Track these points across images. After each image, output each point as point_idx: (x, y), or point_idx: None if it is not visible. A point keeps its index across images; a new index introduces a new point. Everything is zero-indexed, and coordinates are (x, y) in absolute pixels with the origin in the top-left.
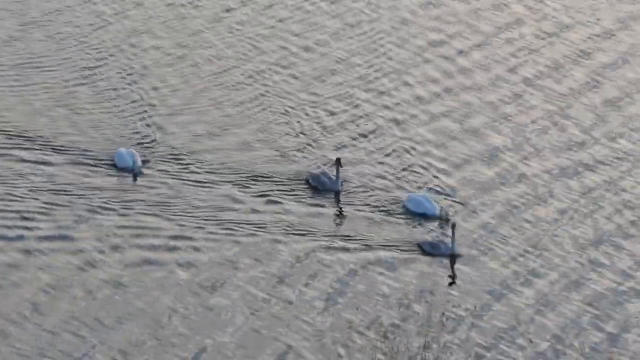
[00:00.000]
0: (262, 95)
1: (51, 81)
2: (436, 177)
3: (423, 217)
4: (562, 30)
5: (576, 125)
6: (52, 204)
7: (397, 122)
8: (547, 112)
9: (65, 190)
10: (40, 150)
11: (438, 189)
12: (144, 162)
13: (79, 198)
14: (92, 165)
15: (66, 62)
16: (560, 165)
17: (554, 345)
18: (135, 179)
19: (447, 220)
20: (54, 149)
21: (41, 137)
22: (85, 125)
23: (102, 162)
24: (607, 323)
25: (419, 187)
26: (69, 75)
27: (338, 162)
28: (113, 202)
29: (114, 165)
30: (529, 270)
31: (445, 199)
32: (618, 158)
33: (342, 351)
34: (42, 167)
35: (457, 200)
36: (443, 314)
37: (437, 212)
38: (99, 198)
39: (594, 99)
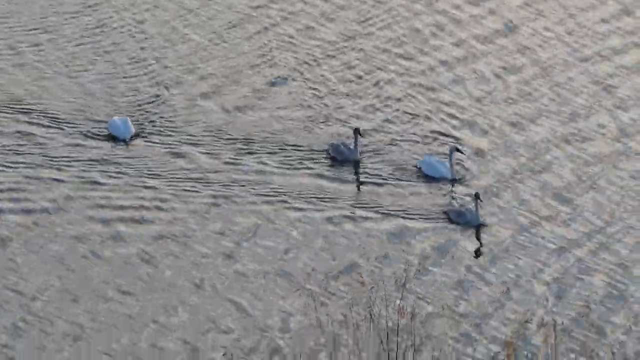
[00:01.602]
0: (276, 64)
1: (45, 47)
2: (460, 143)
3: (439, 180)
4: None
5: (607, 91)
6: (40, 175)
7: (417, 89)
8: (577, 74)
9: (55, 158)
10: (34, 119)
11: (460, 155)
12: (143, 130)
13: (70, 168)
14: (85, 135)
15: (61, 28)
16: (593, 129)
17: (582, 317)
18: (126, 145)
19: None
20: (46, 116)
21: (33, 105)
22: (78, 93)
23: (96, 130)
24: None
25: (441, 154)
26: (64, 42)
27: (357, 132)
28: (109, 171)
29: (109, 134)
30: (555, 239)
31: (464, 166)
32: None
33: (362, 322)
34: (32, 136)
35: (480, 167)
36: (465, 283)
37: (452, 175)
38: (92, 167)
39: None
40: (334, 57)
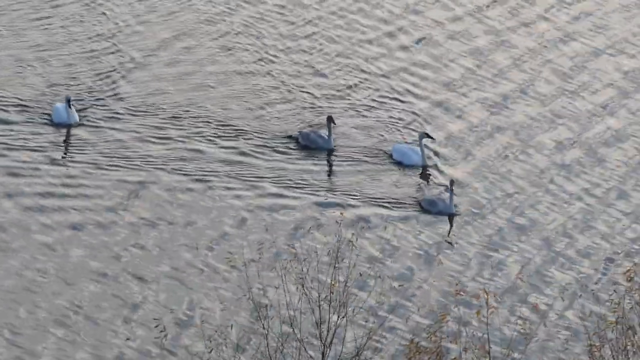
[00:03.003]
0: (246, 50)
1: None
2: (433, 129)
3: (411, 167)
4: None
5: (577, 73)
6: None
7: (388, 75)
8: (543, 60)
9: None
10: None
11: (431, 141)
12: (88, 116)
13: (11, 155)
14: (28, 121)
15: (8, 11)
16: (559, 114)
17: (552, 304)
18: (68, 133)
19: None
20: None
21: None
22: (22, 78)
23: (40, 117)
24: (608, 283)
25: (414, 142)
26: (10, 26)
27: (330, 119)
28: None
29: (51, 121)
30: (526, 228)
31: (436, 153)
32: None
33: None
34: None
35: (453, 154)
36: (437, 272)
37: (423, 162)
38: (38, 154)
39: (591, 48)
40: (302, 43)
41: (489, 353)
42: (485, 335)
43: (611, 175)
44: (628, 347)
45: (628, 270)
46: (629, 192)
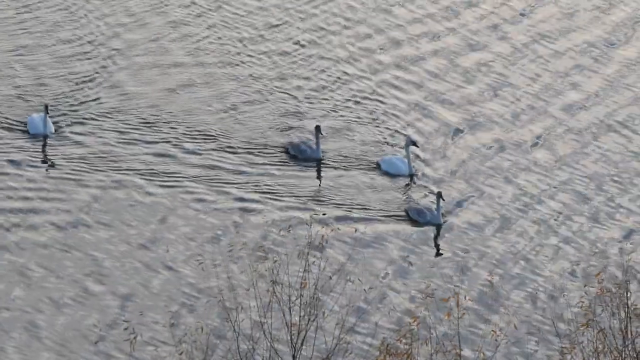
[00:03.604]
0: (235, 63)
1: None
2: (420, 140)
3: (398, 177)
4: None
5: (565, 91)
6: None
7: (378, 88)
8: (531, 78)
9: None
10: None
11: (420, 154)
12: (64, 127)
13: None
14: (3, 130)
15: None
16: (545, 131)
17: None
18: (44, 144)
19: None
20: None
21: None
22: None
23: (15, 128)
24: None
25: (401, 150)
26: None
27: (318, 129)
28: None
29: (27, 132)
30: (512, 241)
31: (424, 162)
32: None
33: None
34: None
35: (440, 164)
36: (424, 283)
37: (410, 170)
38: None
39: (577, 60)
40: (290, 53)
41: (459, 355)
42: (457, 338)
43: (589, 183)
44: (599, 350)
45: (598, 274)
46: (601, 197)
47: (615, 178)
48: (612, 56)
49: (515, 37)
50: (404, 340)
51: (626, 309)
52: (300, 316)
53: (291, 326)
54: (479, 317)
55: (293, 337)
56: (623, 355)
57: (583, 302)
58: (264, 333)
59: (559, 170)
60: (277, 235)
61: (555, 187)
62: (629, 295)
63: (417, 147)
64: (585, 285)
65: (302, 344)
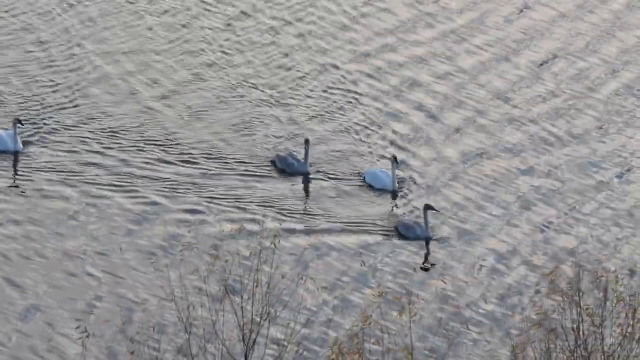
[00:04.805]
0: (220, 75)
1: None
2: (406, 154)
3: (382, 191)
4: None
5: (544, 97)
6: None
7: (363, 99)
8: (511, 83)
9: None
10: None
11: (404, 168)
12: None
13: None
14: None
15: None
16: (528, 139)
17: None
18: (15, 161)
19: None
20: None
21: None
22: None
23: None
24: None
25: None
26: None
27: (307, 142)
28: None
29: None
30: (501, 252)
31: (410, 176)
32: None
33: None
34: None
35: (424, 179)
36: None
37: (393, 186)
38: None
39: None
40: (277, 64)
41: (411, 354)
42: (408, 337)
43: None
44: (551, 348)
45: (550, 273)
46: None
47: (577, 181)
48: (602, 55)
49: (508, 44)
50: (356, 340)
51: (578, 309)
52: (252, 315)
53: (243, 325)
54: (432, 317)
55: (245, 336)
56: (575, 355)
57: (535, 301)
58: (215, 332)
59: (524, 175)
60: (231, 238)
61: (521, 193)
62: (580, 294)
63: (398, 164)
64: (537, 285)
65: (254, 344)
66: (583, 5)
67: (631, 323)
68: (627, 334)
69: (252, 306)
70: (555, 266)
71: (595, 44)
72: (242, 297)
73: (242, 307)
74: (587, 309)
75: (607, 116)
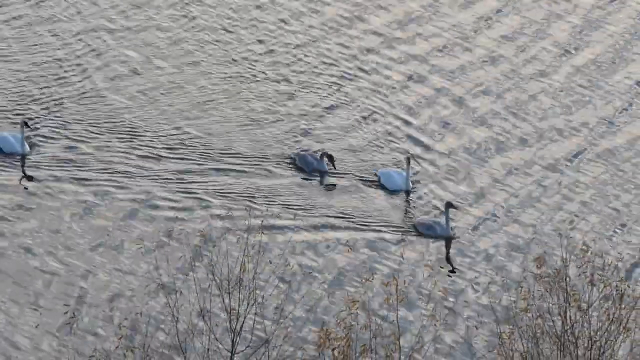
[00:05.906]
0: (239, 75)
1: None
2: (424, 153)
3: (397, 192)
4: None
5: (562, 89)
6: None
7: (382, 98)
8: (528, 76)
9: None
10: None
11: (419, 167)
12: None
13: None
14: None
15: None
16: (551, 130)
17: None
18: (19, 162)
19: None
20: None
21: None
22: None
23: None
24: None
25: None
26: None
27: (327, 157)
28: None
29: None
30: (522, 247)
31: (424, 176)
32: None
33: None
34: None
35: (440, 178)
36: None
37: (407, 186)
38: None
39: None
40: (292, 63)
41: (398, 339)
42: (395, 323)
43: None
44: (537, 334)
45: (537, 258)
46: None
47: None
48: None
49: (516, 42)
50: (343, 325)
51: (565, 294)
52: (239, 301)
53: (230, 311)
54: (419, 303)
55: (232, 322)
56: (562, 340)
57: (522, 286)
58: (203, 318)
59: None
60: (219, 224)
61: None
62: (568, 280)
63: (412, 166)
64: (524, 270)
65: (241, 329)
66: None
67: (618, 308)
68: (614, 319)
69: (239, 291)
70: (543, 251)
71: (604, 37)
72: (229, 282)
73: (229, 293)
74: (574, 294)
75: (612, 110)
